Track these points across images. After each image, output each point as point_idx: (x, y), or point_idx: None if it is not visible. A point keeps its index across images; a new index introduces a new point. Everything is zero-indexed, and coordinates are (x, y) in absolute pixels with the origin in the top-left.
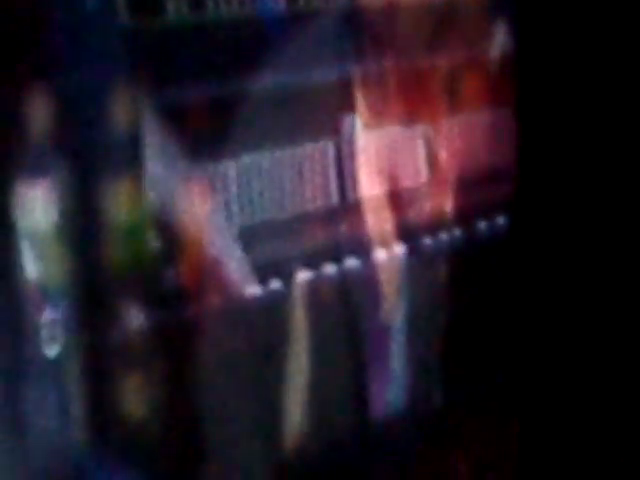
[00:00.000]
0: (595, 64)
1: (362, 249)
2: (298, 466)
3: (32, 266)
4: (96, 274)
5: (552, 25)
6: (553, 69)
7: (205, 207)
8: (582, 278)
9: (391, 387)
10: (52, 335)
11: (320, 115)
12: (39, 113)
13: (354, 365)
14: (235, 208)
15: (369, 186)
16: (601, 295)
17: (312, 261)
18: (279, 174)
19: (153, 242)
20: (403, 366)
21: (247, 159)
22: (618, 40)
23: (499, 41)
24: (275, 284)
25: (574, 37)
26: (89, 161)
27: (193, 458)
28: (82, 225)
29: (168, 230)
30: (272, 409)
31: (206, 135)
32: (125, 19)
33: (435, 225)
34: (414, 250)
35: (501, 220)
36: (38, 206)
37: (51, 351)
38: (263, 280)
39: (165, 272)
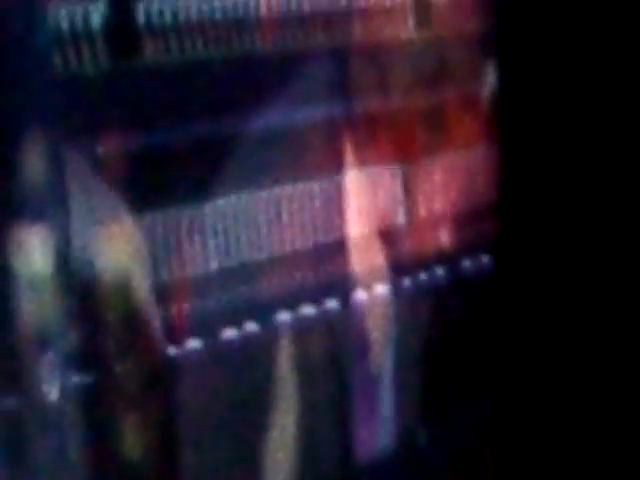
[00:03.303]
0: (578, 103)
1: (346, 290)
2: None
3: (31, 310)
4: (94, 317)
5: (535, 65)
6: (536, 108)
7: (192, 249)
8: (568, 316)
9: (378, 429)
10: (52, 378)
11: (305, 156)
12: (24, 160)
13: (339, 407)
14: (219, 250)
15: (353, 226)
16: (589, 334)
17: (295, 302)
18: (262, 215)
19: (145, 284)
20: (390, 407)
21: (231, 200)
22: (602, 82)
23: (482, 81)
24: (256, 326)
25: (557, 78)
26: (80, 205)
27: None
28: (79, 269)
29: (159, 271)
30: (258, 454)
31: (190, 177)
32: (104, 61)
33: (420, 265)
34: (399, 290)
35: (485, 259)
36: (35, 251)
37: (51, 394)
38: (245, 323)
39: (157, 314)
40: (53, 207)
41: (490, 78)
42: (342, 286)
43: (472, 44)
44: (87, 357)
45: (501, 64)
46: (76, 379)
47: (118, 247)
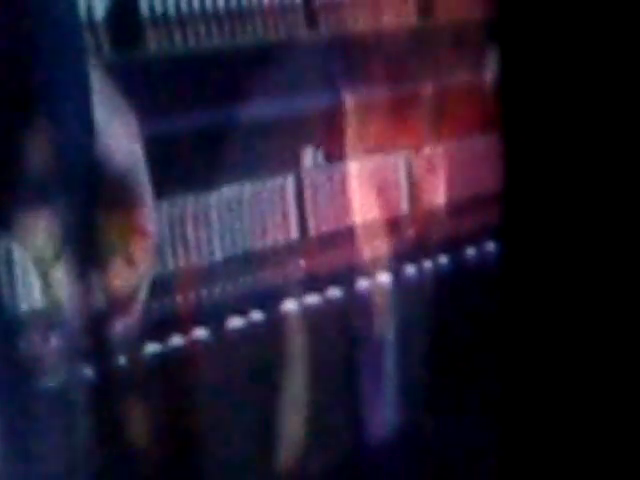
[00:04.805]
0: (582, 86)
1: (351, 279)
2: None
3: (35, 295)
4: (99, 302)
5: (537, 49)
6: (540, 94)
7: (192, 235)
8: (576, 303)
9: (383, 416)
10: (56, 363)
11: (308, 145)
12: (28, 146)
13: (344, 395)
14: (217, 239)
15: (357, 215)
16: (599, 322)
17: (295, 292)
18: (267, 204)
19: (150, 271)
20: (392, 393)
21: (235, 189)
22: (606, 64)
23: (483, 66)
24: (260, 314)
25: (560, 63)
26: (83, 191)
27: None
28: (84, 254)
29: (166, 260)
30: (267, 435)
31: (189, 165)
32: (106, 52)
33: (424, 253)
34: (404, 279)
35: (491, 246)
36: (40, 235)
37: (54, 379)
38: (247, 311)
39: (163, 300)
40: (60, 193)
41: (493, 65)
42: (346, 275)
43: (474, 31)
44: (91, 346)
45: (503, 51)
46: (81, 368)
47: (122, 232)
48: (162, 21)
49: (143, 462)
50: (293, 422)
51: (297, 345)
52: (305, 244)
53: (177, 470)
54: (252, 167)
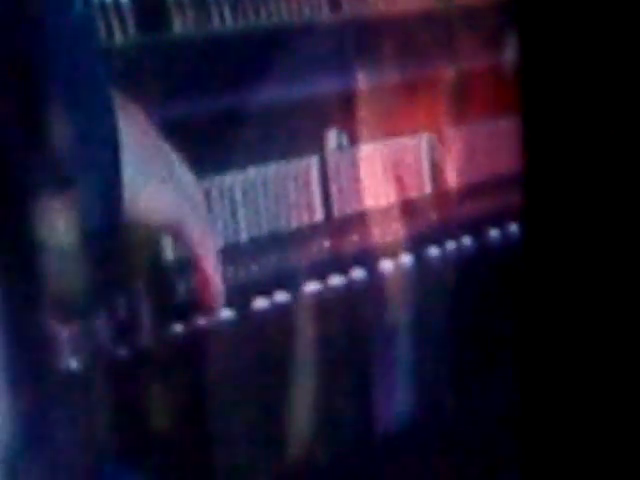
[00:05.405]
0: (602, 70)
1: (369, 260)
2: (306, 477)
3: (55, 280)
4: (118, 288)
5: (558, 31)
6: (560, 75)
7: (213, 219)
8: (596, 286)
9: (403, 397)
10: (75, 348)
11: (331, 127)
12: (50, 129)
13: (361, 375)
14: (242, 221)
15: (380, 197)
16: (618, 306)
17: (319, 273)
18: (291, 186)
19: (168, 255)
20: (411, 376)
21: (259, 170)
22: (625, 48)
23: (504, 48)
24: (282, 296)
25: (581, 43)
26: (104, 175)
27: (206, 467)
28: (103, 239)
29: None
30: (281, 419)
31: (214, 146)
32: (132, 35)
33: (445, 235)
34: (425, 260)
35: (513, 228)
36: (60, 220)
37: (74, 364)
38: (270, 292)
39: (180, 284)
40: (79, 175)
41: (514, 46)
42: (369, 256)
43: (495, 13)
44: (114, 328)
45: (524, 32)
46: (101, 349)
47: (141, 217)
48: (187, 3)
49: (165, 442)
50: (315, 403)
51: (320, 326)
52: (329, 225)
53: (199, 451)
54: (277, 149)
